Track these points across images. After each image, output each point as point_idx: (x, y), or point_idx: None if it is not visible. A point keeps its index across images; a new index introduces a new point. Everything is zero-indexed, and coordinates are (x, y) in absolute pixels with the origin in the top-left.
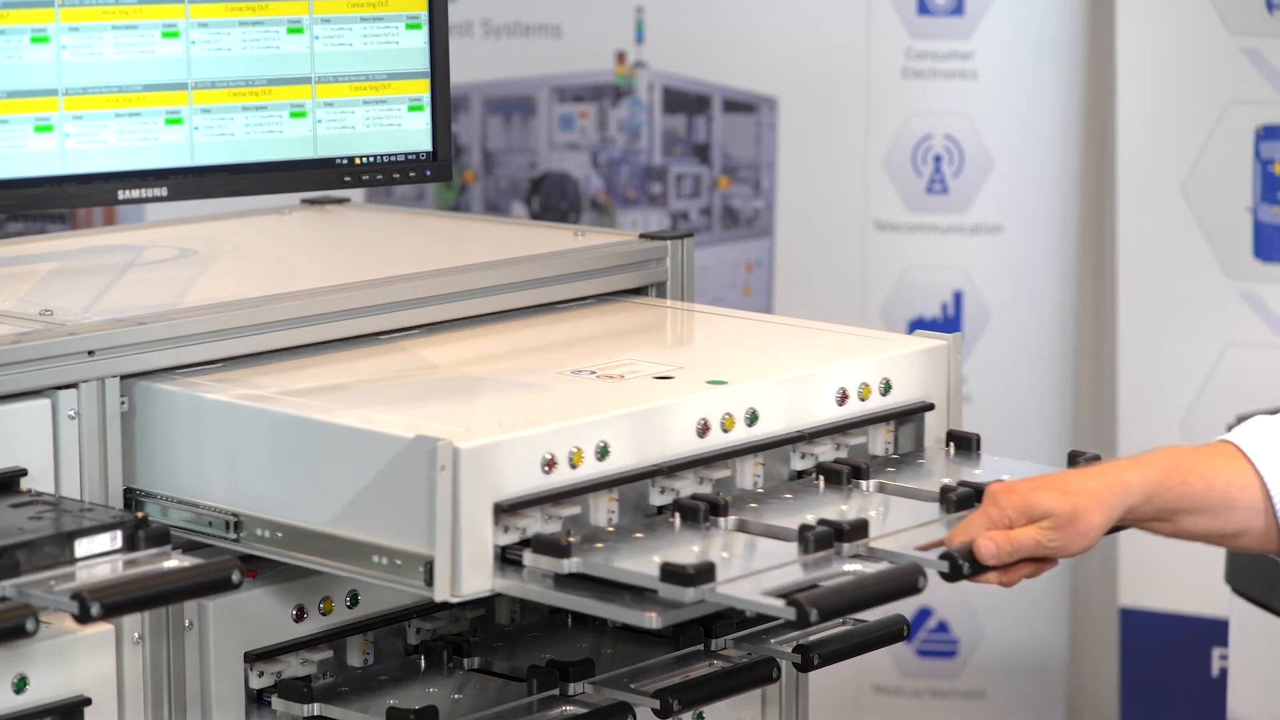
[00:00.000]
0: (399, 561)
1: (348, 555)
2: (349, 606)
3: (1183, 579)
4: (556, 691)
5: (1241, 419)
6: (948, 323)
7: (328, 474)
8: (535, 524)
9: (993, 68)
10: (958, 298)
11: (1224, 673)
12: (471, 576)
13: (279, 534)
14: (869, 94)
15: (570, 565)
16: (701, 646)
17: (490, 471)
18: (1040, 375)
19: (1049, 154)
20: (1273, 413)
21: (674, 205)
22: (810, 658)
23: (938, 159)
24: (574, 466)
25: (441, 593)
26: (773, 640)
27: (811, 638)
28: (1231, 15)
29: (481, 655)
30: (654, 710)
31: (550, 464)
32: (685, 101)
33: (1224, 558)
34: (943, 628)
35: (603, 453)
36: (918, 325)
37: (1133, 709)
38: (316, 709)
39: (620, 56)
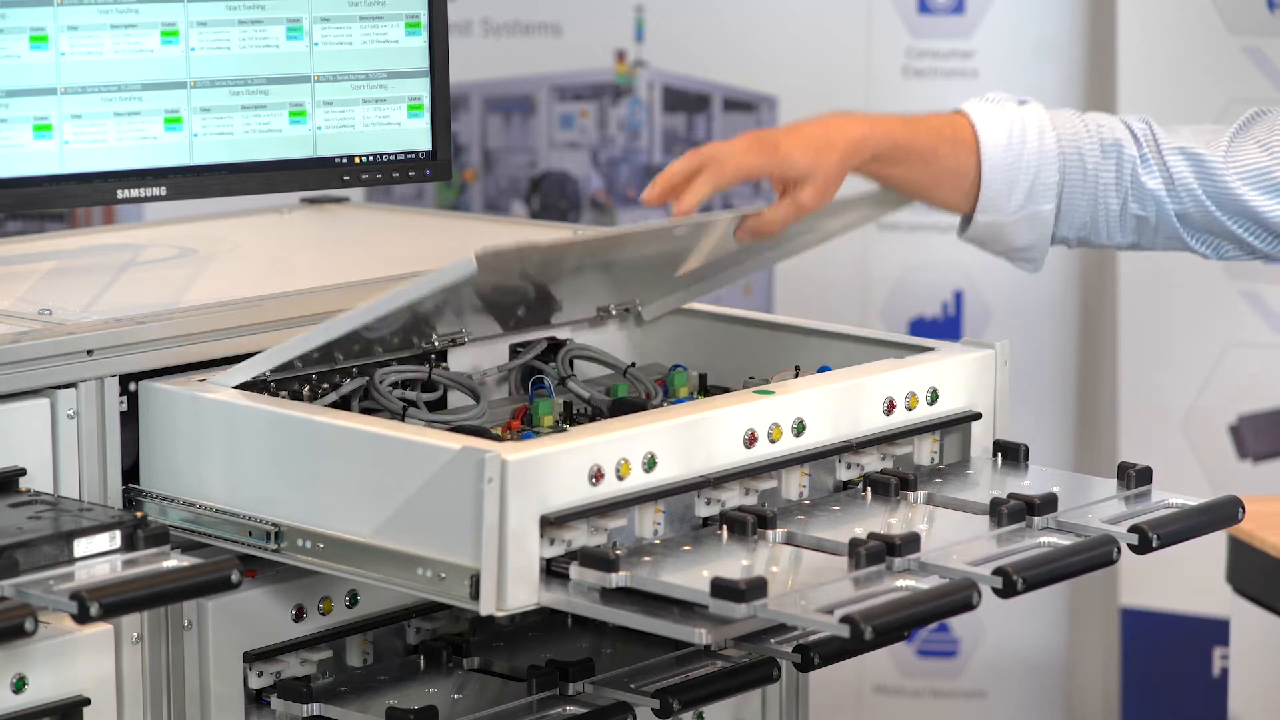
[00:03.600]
0: (444, 575)
1: (391, 568)
2: (348, 606)
3: (1183, 579)
4: (556, 691)
5: (1242, 419)
6: (948, 323)
7: (370, 485)
8: (581, 536)
9: (993, 67)
10: (958, 297)
11: (1224, 673)
12: (517, 590)
13: (320, 545)
14: (869, 93)
15: (618, 579)
16: (701, 647)
17: (537, 483)
18: (1041, 375)
19: None
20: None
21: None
22: (810, 658)
23: None
24: (621, 478)
25: (487, 606)
26: (773, 640)
27: (811, 637)
28: (1232, 14)
29: (481, 655)
30: (654, 710)
31: (597, 475)
32: (685, 100)
33: (1225, 557)
34: (943, 628)
35: (650, 464)
36: (918, 325)
37: (1133, 709)
38: (316, 709)
39: (620, 55)
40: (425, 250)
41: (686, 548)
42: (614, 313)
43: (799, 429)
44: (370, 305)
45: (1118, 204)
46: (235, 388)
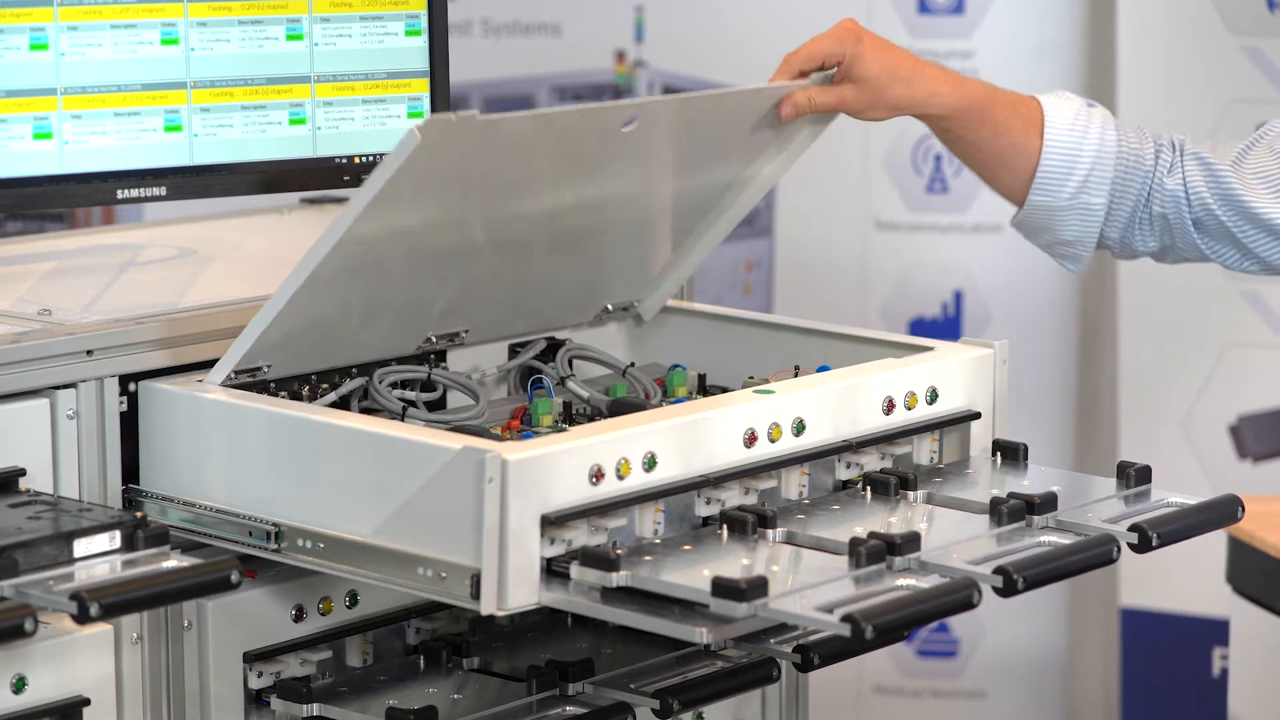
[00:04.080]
0: (444, 574)
1: (392, 567)
2: (348, 607)
3: (1183, 579)
4: (556, 691)
5: (1242, 419)
6: (948, 323)
7: (370, 485)
8: (581, 536)
9: (993, 67)
10: (958, 297)
11: (1224, 673)
12: (518, 590)
13: (320, 545)
14: None
15: (619, 579)
16: (701, 646)
17: (538, 483)
18: (1041, 375)
19: None
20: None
21: None
22: (810, 658)
23: (938, 158)
24: (621, 477)
25: (488, 606)
26: (773, 640)
27: (811, 637)
28: (1232, 14)
29: (481, 655)
30: (654, 710)
31: (598, 475)
32: None
33: (1225, 557)
34: (943, 628)
35: (650, 463)
36: (918, 325)
37: (1133, 709)
38: (316, 709)
39: (620, 55)
40: None
41: (687, 547)
42: (612, 311)
43: (799, 429)
44: (336, 220)
45: (1147, 211)
46: (235, 387)
